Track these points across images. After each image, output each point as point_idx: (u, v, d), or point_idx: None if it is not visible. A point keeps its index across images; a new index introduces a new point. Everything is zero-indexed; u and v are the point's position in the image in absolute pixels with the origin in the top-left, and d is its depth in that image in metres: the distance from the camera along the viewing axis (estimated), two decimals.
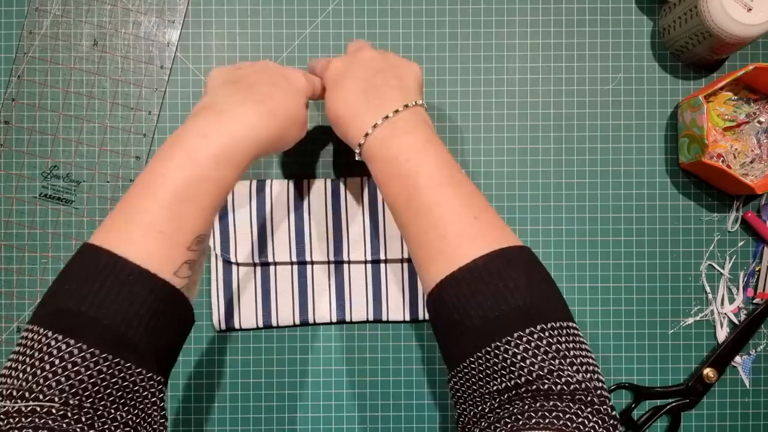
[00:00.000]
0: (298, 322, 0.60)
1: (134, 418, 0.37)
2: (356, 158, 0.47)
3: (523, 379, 0.36)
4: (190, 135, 0.41)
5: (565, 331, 0.37)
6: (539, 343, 0.36)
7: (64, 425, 0.34)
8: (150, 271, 0.38)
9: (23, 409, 0.34)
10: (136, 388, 0.37)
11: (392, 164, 0.43)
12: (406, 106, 0.45)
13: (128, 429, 0.36)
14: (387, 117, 0.44)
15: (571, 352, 0.36)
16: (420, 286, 0.60)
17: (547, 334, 0.36)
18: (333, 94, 0.48)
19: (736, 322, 0.61)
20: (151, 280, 0.38)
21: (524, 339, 0.36)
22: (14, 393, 0.35)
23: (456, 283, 0.39)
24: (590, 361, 0.37)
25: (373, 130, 0.44)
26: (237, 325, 0.60)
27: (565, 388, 0.35)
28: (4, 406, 0.34)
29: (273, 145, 0.44)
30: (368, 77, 0.47)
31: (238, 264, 0.59)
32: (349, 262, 0.60)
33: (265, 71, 0.47)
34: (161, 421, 0.39)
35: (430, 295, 0.41)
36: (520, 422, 0.34)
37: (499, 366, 0.36)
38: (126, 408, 0.37)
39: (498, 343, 0.36)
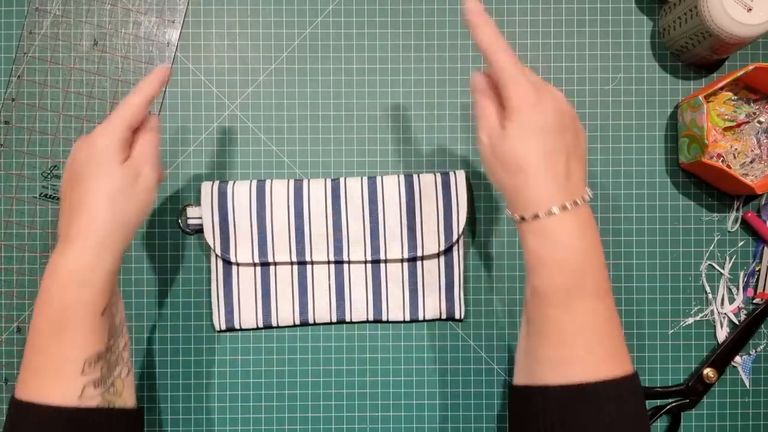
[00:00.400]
0: (298, 322, 0.60)
1: None
2: (510, 214, 0.42)
3: None
4: (45, 273, 0.43)
5: None
6: None
7: None
8: (52, 405, 0.41)
9: None
10: None
11: (563, 252, 0.40)
12: (588, 196, 0.42)
13: None
14: (576, 203, 0.40)
15: None
16: (420, 287, 0.60)
17: None
18: (529, 137, 0.40)
19: (736, 322, 0.61)
20: (54, 412, 0.41)
21: None
22: None
23: (569, 396, 0.40)
24: None
25: (561, 211, 0.40)
26: (237, 325, 0.60)
27: None
28: None
29: (121, 246, 0.45)
30: (564, 138, 0.41)
31: (238, 264, 0.59)
32: (349, 262, 0.60)
33: (76, 178, 0.44)
34: None
35: (538, 388, 0.42)
36: None
37: None
38: None
39: None
